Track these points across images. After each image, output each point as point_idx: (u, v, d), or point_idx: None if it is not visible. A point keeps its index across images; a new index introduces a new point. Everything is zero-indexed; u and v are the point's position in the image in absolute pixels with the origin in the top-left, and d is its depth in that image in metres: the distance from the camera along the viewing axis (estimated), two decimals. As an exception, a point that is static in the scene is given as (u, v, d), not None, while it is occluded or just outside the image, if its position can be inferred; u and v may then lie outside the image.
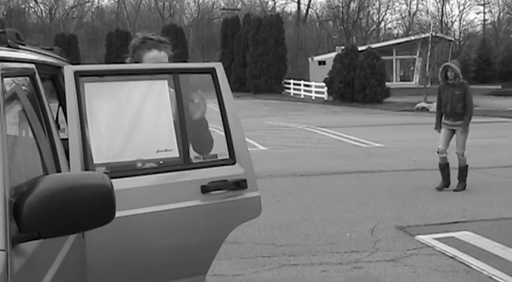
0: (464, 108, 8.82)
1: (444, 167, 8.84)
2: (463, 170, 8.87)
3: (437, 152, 8.92)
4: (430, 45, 34.97)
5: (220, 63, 3.19)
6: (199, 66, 3.34)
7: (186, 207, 2.86)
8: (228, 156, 3.07)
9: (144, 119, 2.93)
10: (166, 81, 2.96)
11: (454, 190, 8.61)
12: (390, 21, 75.66)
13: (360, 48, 35.46)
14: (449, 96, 8.80)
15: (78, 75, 2.75)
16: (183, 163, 2.92)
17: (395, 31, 67.46)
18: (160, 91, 2.95)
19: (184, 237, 2.94)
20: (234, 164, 3.04)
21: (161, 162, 2.92)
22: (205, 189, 2.90)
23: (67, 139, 2.71)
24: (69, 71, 2.75)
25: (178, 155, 2.91)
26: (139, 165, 2.87)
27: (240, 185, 2.99)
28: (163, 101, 2.95)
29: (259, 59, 45.27)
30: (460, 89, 8.82)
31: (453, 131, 8.88)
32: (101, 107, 2.81)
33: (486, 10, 64.56)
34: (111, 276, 2.78)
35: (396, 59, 46.06)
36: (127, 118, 2.89)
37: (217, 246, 3.12)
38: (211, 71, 3.10)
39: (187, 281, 3.02)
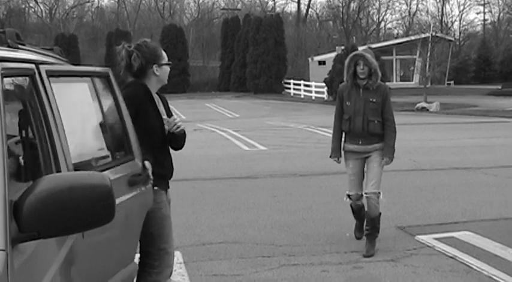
0: (382, 126, 5.70)
1: (358, 209, 6.00)
2: (375, 222, 5.73)
3: (348, 198, 5.88)
4: (430, 45, 34.99)
5: (109, 68, 3.43)
6: (95, 70, 3.48)
7: (125, 200, 3.02)
8: (127, 153, 3.31)
9: (76, 121, 3.10)
10: (87, 84, 3.14)
11: (364, 256, 5.54)
12: (390, 21, 75.70)
13: (360, 48, 35.48)
14: (360, 104, 5.62)
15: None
16: (112, 160, 3.15)
17: (395, 31, 67.54)
18: (82, 93, 3.14)
19: (123, 229, 3.11)
20: (134, 160, 3.28)
21: (96, 161, 3.09)
22: (131, 183, 3.14)
23: None
24: None
25: (108, 153, 3.17)
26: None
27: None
28: (88, 102, 3.16)
29: (259, 59, 45.29)
30: (377, 94, 5.64)
31: (364, 160, 5.78)
32: None
33: (486, 10, 64.67)
34: None
35: (396, 59, 46.13)
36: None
37: (139, 234, 3.39)
38: (107, 75, 3.29)
39: (122, 273, 3.17)
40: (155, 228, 3.54)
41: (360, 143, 5.70)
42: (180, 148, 3.81)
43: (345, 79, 5.72)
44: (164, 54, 3.73)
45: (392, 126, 5.76)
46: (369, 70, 5.57)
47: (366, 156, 5.74)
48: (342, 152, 5.88)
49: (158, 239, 3.57)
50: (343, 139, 5.86)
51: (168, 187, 3.74)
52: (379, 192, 5.69)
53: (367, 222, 5.82)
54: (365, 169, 5.81)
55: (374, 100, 5.63)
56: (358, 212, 6.00)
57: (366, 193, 5.71)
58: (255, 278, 5.02)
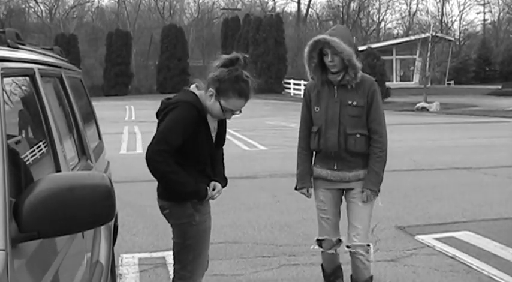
0: (367, 141, 3.91)
1: (333, 269, 4.37)
2: None
3: (319, 245, 4.23)
4: (430, 45, 35.04)
5: None
6: None
7: None
8: None
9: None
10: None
11: None
12: (390, 21, 75.92)
13: (360, 48, 35.39)
14: (334, 110, 3.87)
15: None
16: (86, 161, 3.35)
17: (395, 31, 67.62)
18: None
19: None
20: None
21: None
22: None
23: None
24: None
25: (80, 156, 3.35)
26: None
27: None
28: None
29: (259, 59, 45.29)
30: (359, 93, 3.84)
31: (342, 193, 4.14)
32: None
33: (486, 10, 65.04)
34: None
35: (396, 59, 46.19)
36: None
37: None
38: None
39: None
40: (193, 240, 3.46)
41: (336, 167, 3.96)
42: None
43: (309, 76, 3.95)
44: (236, 103, 3.24)
45: (382, 142, 3.87)
46: (341, 61, 3.73)
47: (346, 189, 4.03)
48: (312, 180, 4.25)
49: (194, 251, 3.48)
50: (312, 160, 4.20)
51: None
52: (369, 245, 4.03)
53: None
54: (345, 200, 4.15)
55: (355, 103, 3.83)
56: (331, 271, 4.24)
57: (348, 247, 4.06)
58: (255, 278, 5.02)
